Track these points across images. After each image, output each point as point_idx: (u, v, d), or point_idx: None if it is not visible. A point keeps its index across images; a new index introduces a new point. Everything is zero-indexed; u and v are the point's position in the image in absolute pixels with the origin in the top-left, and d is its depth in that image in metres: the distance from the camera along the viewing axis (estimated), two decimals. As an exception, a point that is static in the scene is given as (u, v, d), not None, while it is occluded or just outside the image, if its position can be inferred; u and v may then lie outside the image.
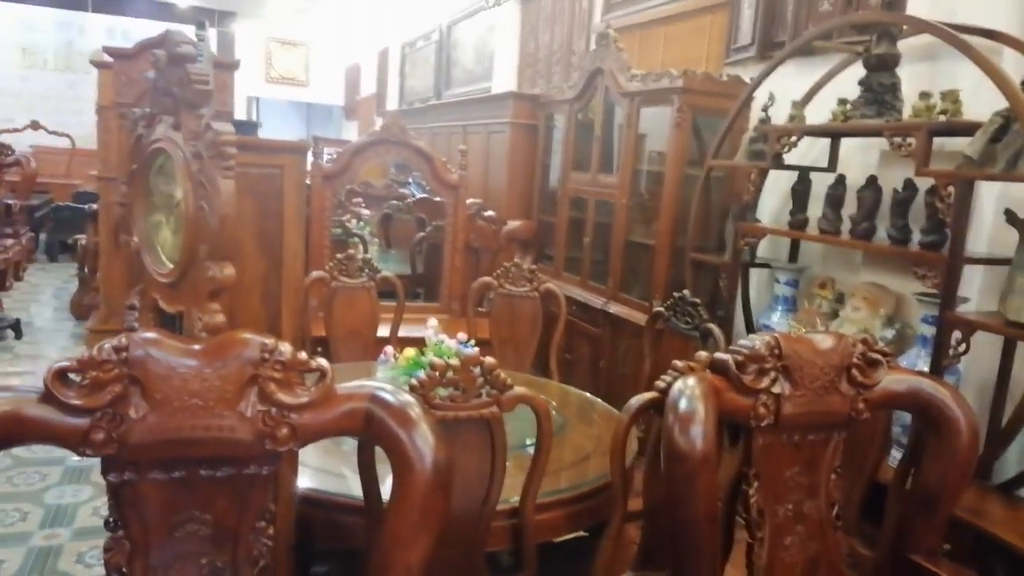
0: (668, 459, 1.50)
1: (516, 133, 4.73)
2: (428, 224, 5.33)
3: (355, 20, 11.87)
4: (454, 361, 1.62)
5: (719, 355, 1.65)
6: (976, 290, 2.30)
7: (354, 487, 1.56)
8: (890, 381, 1.73)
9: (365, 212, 5.59)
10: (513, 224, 4.11)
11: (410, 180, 6.69)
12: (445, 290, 3.84)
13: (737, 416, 1.61)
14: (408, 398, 1.39)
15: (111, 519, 1.29)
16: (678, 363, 1.64)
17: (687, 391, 1.54)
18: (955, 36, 2.11)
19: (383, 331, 3.15)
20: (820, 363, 1.68)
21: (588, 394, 2.61)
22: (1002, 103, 2.04)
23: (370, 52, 11.35)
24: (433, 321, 2.23)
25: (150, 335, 1.27)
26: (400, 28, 9.86)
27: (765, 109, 2.90)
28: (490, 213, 3.90)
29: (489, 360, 1.59)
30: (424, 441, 1.32)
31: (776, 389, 1.63)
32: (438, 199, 4.81)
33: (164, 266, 1.58)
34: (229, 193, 1.30)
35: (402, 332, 3.18)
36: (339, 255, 2.97)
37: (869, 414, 1.72)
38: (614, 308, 3.67)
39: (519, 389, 1.61)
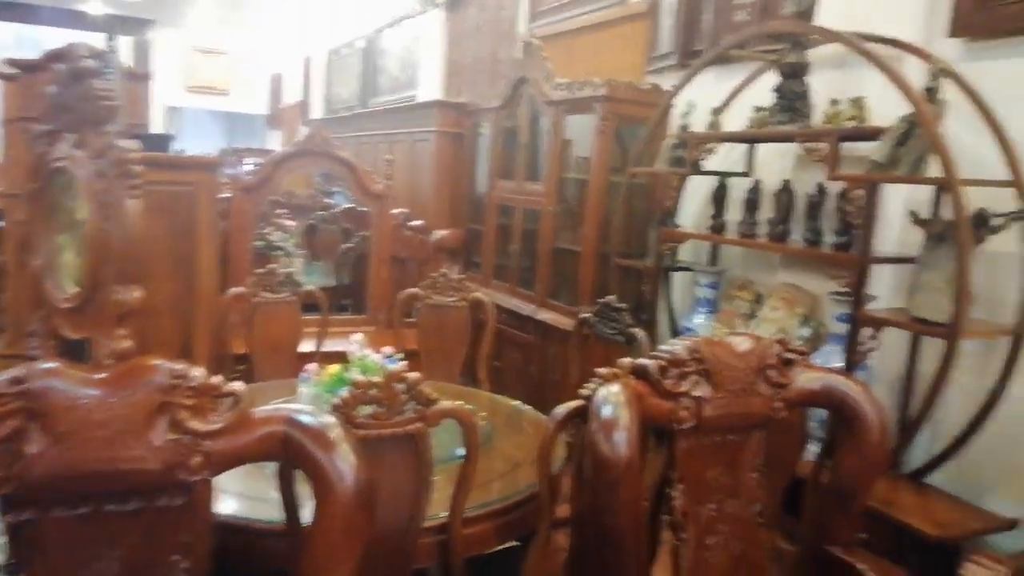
0: (593, 466, 1.51)
1: (442, 142, 4.71)
2: (354, 235, 5.26)
3: (279, 27, 11.63)
4: (378, 378, 1.59)
5: (641, 361, 1.67)
6: (886, 288, 2.39)
7: (277, 511, 1.51)
8: (805, 380, 1.78)
9: (290, 223, 5.47)
10: (440, 233, 4.09)
11: (336, 190, 6.58)
12: (371, 302, 3.79)
13: (660, 420, 1.64)
14: (327, 419, 1.36)
15: (11, 562, 1.22)
16: (601, 370, 1.66)
17: (610, 398, 1.55)
18: (860, 45, 2.21)
19: (307, 346, 3.08)
20: (739, 365, 1.72)
21: (517, 402, 2.61)
22: (906, 109, 2.14)
23: (294, 60, 11.13)
24: (358, 336, 2.19)
25: (50, 365, 1.21)
26: (325, 35, 9.71)
27: (684, 116, 2.96)
28: (417, 222, 3.86)
29: (413, 375, 1.57)
30: (345, 462, 1.29)
31: (697, 392, 1.66)
32: (364, 209, 4.76)
33: (67, 290, 1.50)
34: (135, 213, 1.24)
35: (328, 346, 3.12)
36: (259, 270, 2.89)
37: (786, 413, 1.77)
38: (543, 315, 3.69)
39: (444, 403, 1.60)
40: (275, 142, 12.21)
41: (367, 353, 2.17)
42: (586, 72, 4.10)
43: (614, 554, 1.52)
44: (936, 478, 2.23)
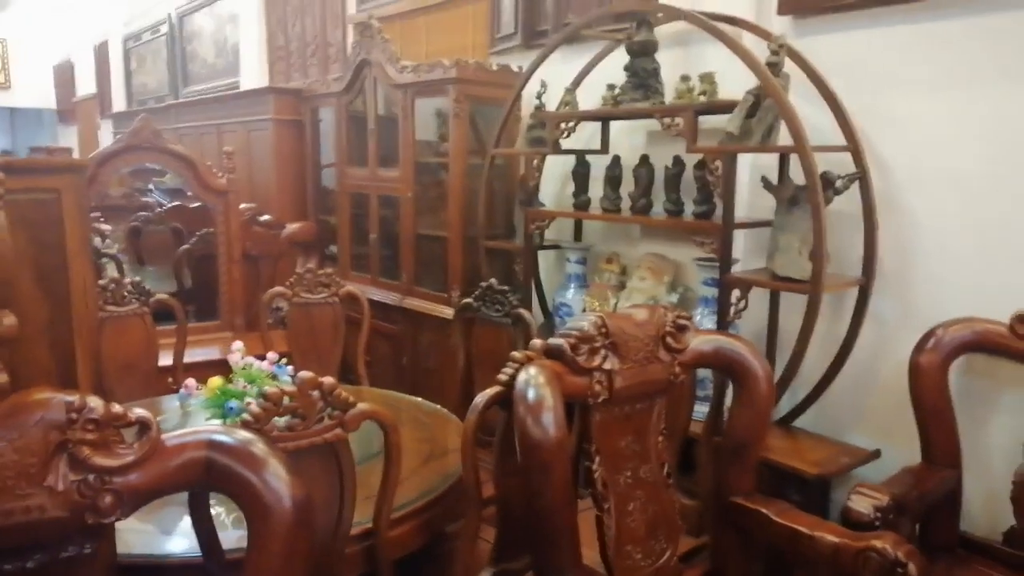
0: (524, 451, 1.51)
1: (280, 130, 4.47)
2: (185, 234, 4.87)
3: (62, 11, 10.44)
4: (288, 386, 1.49)
5: (553, 340, 1.70)
6: (742, 251, 2.58)
7: (189, 542, 1.38)
8: (697, 343, 1.88)
9: (106, 227, 4.96)
10: (292, 227, 3.89)
11: (151, 187, 6.05)
12: (225, 305, 3.55)
13: (576, 397, 1.67)
14: (248, 436, 1.26)
15: None
16: (516, 354, 1.66)
17: (532, 380, 1.56)
18: (709, 23, 2.34)
19: (164, 359, 2.84)
20: (641, 335, 1.79)
21: (412, 396, 2.56)
22: (748, 84, 2.30)
23: (85, 47, 10.07)
24: (238, 344, 2.04)
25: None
26: (119, 19, 8.85)
27: (539, 96, 3.00)
28: (266, 217, 3.65)
29: (328, 380, 1.48)
30: (278, 480, 1.20)
31: (607, 366, 1.71)
32: (195, 205, 4.42)
33: (-90, 322, 1.26)
34: (1, 228, 1.05)
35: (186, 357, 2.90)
36: (101, 281, 2.61)
37: (685, 376, 1.87)
38: (410, 303, 3.63)
39: (362, 406, 1.53)
40: (70, 138, 11.03)
41: (251, 361, 2.03)
42: (427, 54, 4.06)
43: (549, 533, 1.54)
44: (801, 421, 2.45)
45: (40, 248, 1.23)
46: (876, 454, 2.27)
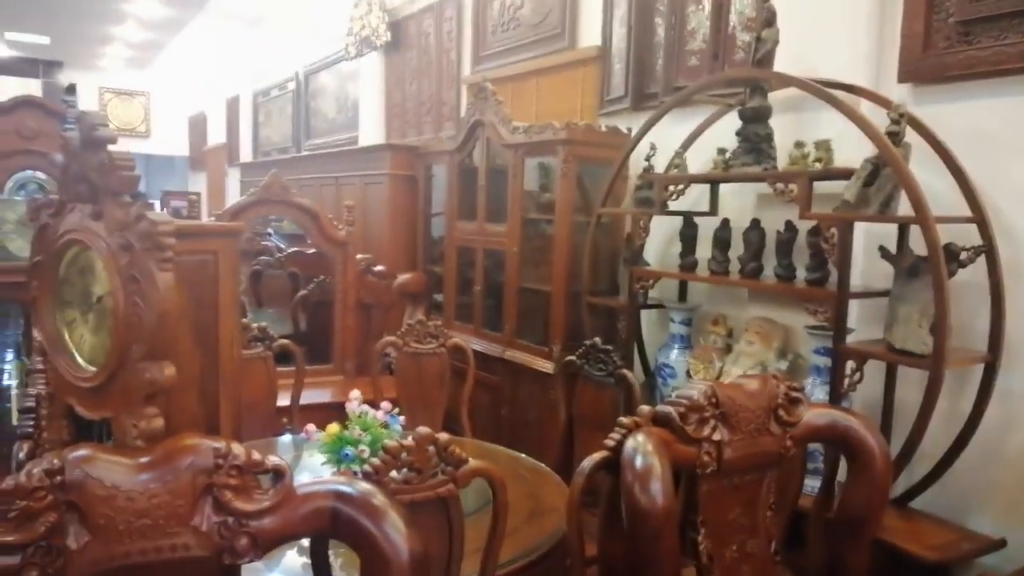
0: (631, 518, 1.52)
1: (395, 184, 4.70)
2: (301, 279, 5.15)
3: (200, 68, 11.38)
4: (408, 440, 1.56)
5: (662, 408, 1.70)
6: (856, 320, 2.51)
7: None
8: (811, 416, 1.84)
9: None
10: (403, 277, 4.05)
11: (270, 231, 6.43)
12: (338, 351, 3.71)
13: (684, 466, 1.66)
14: (368, 487, 1.33)
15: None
16: (624, 420, 1.67)
17: (640, 447, 1.57)
18: (824, 91, 2.33)
19: (282, 400, 3.00)
20: (751, 406, 1.77)
21: (513, 451, 2.60)
22: (864, 151, 2.27)
23: (218, 100, 10.91)
24: (356, 392, 2.14)
25: (85, 452, 1.14)
26: (251, 76, 9.56)
27: (648, 158, 3.05)
28: (380, 268, 3.82)
29: (443, 436, 1.55)
30: (397, 533, 1.25)
31: (717, 436, 1.69)
32: (312, 252, 4.67)
33: (84, 369, 1.40)
34: (168, 287, 1.18)
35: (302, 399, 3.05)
36: (230, 325, 2.80)
37: (796, 450, 1.83)
38: (511, 355, 3.69)
39: (474, 463, 1.58)
40: (199, 184, 11.89)
41: (366, 409, 2.12)
42: (537, 114, 4.19)
43: (654, 603, 1.53)
44: (918, 502, 2.33)
45: (197, 305, 1.36)
46: (1002, 543, 2.13)
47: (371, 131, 6.24)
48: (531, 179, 3.77)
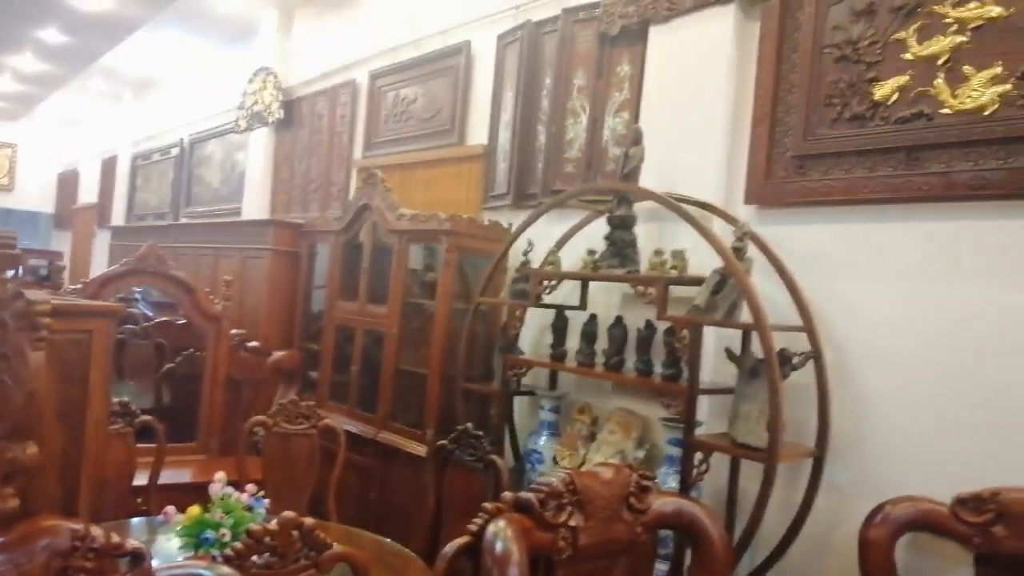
0: (488, 602, 1.59)
1: (276, 260, 4.68)
2: (167, 350, 4.96)
3: (76, 125, 10.95)
4: (266, 522, 1.58)
5: (523, 495, 1.80)
6: (705, 414, 2.73)
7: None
8: (659, 504, 1.99)
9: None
10: (278, 355, 4.01)
11: (137, 296, 6.16)
12: (203, 428, 3.60)
13: (541, 551, 1.76)
14: (229, 572, 1.34)
15: None
16: (487, 505, 1.76)
17: (500, 533, 1.66)
18: (679, 207, 2.60)
19: (139, 479, 2.88)
20: (606, 494, 1.90)
21: (378, 536, 2.60)
22: (714, 261, 2.54)
23: (92, 159, 10.50)
24: (220, 474, 2.12)
25: (-72, 533, 1.10)
26: (132, 138, 9.30)
27: (526, 253, 3.24)
28: (254, 344, 3.77)
29: (308, 521, 1.57)
30: (256, 618, 1.27)
31: (573, 522, 1.81)
32: (181, 322, 4.53)
33: (-65, 445, 1.33)
34: (39, 367, 1.17)
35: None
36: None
37: (646, 536, 1.97)
38: (385, 436, 3.70)
39: (338, 547, 1.61)
40: (63, 243, 11.26)
41: (230, 491, 2.10)
42: (424, 202, 4.35)
43: None
44: (757, 586, 2.52)
45: (66, 382, 1.35)
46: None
47: (256, 204, 6.21)
48: (415, 264, 3.89)
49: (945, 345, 2.29)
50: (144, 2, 6.01)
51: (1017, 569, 1.96)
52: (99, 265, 8.40)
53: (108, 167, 9.87)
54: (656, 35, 3.16)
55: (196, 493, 2.39)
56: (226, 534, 1.97)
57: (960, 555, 2.10)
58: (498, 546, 1.62)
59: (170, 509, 2.09)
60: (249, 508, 2.11)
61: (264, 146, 6.19)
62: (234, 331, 3.69)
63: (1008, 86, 2.21)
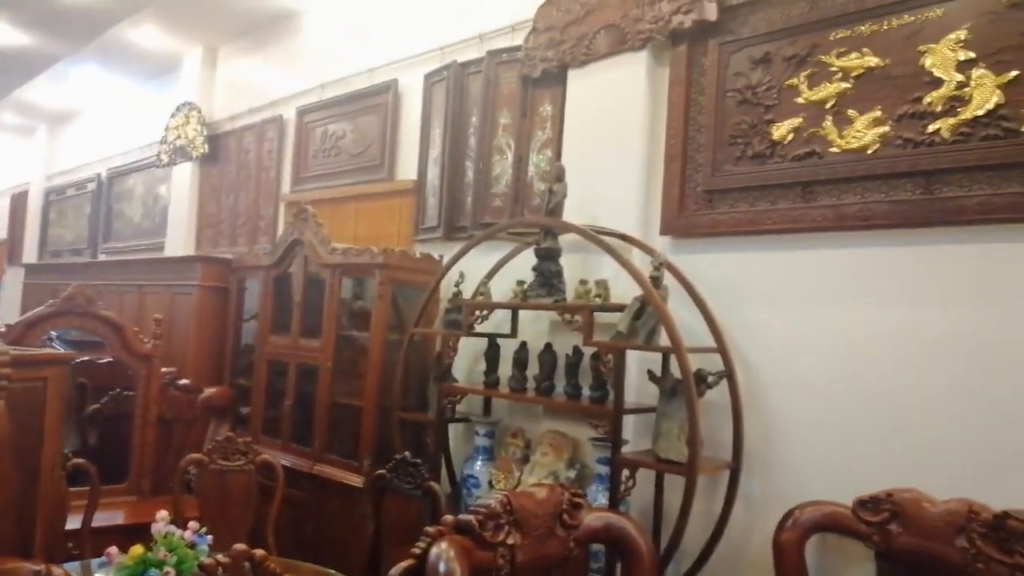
0: (433, 620, 1.68)
1: (205, 296, 4.66)
2: (89, 390, 4.83)
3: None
4: (211, 557, 1.63)
5: (463, 516, 1.91)
6: (631, 433, 2.89)
7: None
8: (590, 519, 2.13)
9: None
10: (209, 391, 3.99)
11: (52, 335, 5.97)
12: (135, 468, 3.55)
13: (482, 570, 1.86)
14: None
15: None
16: (429, 528, 1.86)
17: (443, 554, 1.76)
18: (600, 239, 2.78)
19: (71, 523, 2.84)
20: (540, 512, 2.03)
21: (320, 567, 2.64)
22: (634, 289, 2.72)
23: (1, 194, 10.09)
24: (163, 513, 2.14)
25: None
26: (44, 172, 9.01)
27: (457, 284, 3.36)
28: (185, 381, 3.76)
29: (259, 552, 1.64)
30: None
31: (511, 540, 1.93)
32: (104, 361, 4.44)
33: None
34: (1, 415, 1.21)
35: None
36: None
37: (579, 551, 2.10)
38: (320, 469, 3.73)
39: None
40: (-32, 283, 10.71)
41: (172, 529, 2.12)
42: (355, 236, 4.43)
43: None
44: (683, 594, 2.68)
45: (21, 430, 1.38)
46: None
47: (180, 238, 6.14)
48: (347, 296, 3.95)
49: (841, 362, 2.53)
50: (63, 38, 5.91)
51: (912, 562, 2.17)
52: (10, 304, 8.06)
53: (18, 202, 9.52)
54: (574, 78, 3.36)
55: (129, 535, 2.39)
56: (170, 572, 2.00)
57: (862, 552, 2.31)
58: (441, 567, 1.72)
59: (112, 550, 2.09)
60: (192, 545, 2.14)
61: (188, 180, 6.13)
62: (164, 369, 3.66)
63: (887, 128, 2.48)
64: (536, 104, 3.58)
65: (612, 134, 3.18)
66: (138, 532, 2.67)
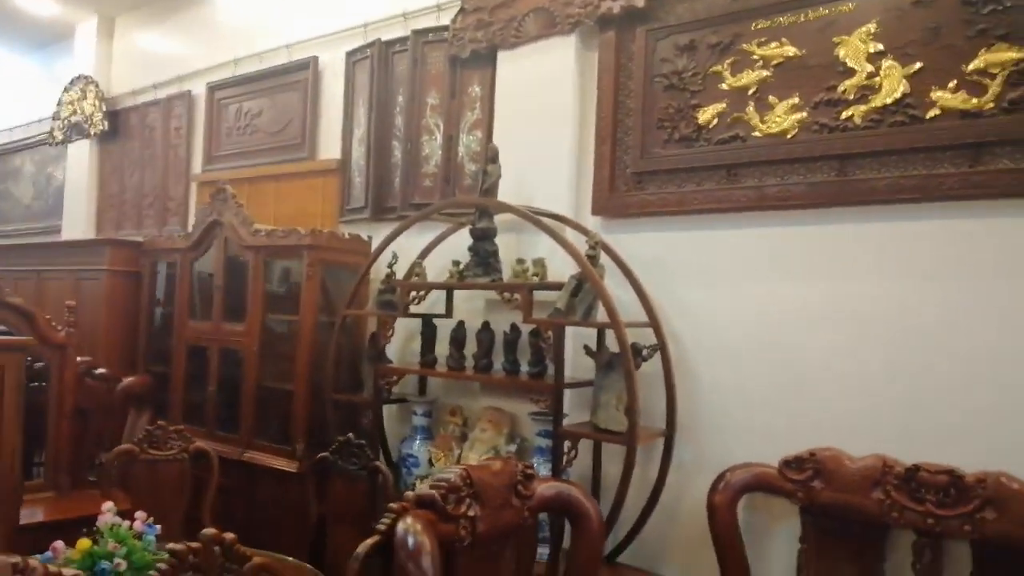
0: (406, 592, 1.73)
1: (114, 281, 4.45)
2: None
3: None
4: (194, 544, 1.62)
5: (424, 491, 1.96)
6: (569, 406, 2.99)
7: None
8: (542, 489, 2.22)
9: None
10: (128, 380, 3.83)
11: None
12: (50, 464, 3.37)
13: (445, 542, 1.92)
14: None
15: None
16: (393, 505, 1.89)
17: (410, 528, 1.81)
18: (536, 218, 2.84)
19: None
20: (497, 484, 2.10)
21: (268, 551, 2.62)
22: (571, 267, 2.81)
23: None
24: (109, 504, 2.08)
25: None
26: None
27: (390, 265, 3.36)
28: (102, 370, 3.59)
29: (229, 536, 1.63)
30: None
31: (471, 512, 1.99)
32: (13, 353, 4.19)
33: None
34: None
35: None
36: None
37: (532, 520, 2.19)
38: (251, 456, 3.67)
39: (257, 559, 1.68)
40: None
41: (117, 521, 2.07)
42: (275, 217, 4.33)
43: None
44: (624, 557, 2.82)
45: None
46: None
47: (79, 221, 5.80)
48: (271, 279, 3.87)
49: (764, 333, 2.71)
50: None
51: (834, 515, 2.37)
52: None
53: None
54: (504, 60, 3.40)
55: (52, 532, 2.31)
56: (121, 564, 1.95)
57: (789, 508, 2.50)
58: (410, 540, 1.76)
59: (59, 544, 2.01)
60: (139, 536, 2.09)
61: (87, 159, 5.79)
62: (80, 358, 3.49)
63: (804, 114, 2.66)
64: (465, 85, 3.60)
65: (543, 116, 3.24)
66: (61, 529, 2.58)
